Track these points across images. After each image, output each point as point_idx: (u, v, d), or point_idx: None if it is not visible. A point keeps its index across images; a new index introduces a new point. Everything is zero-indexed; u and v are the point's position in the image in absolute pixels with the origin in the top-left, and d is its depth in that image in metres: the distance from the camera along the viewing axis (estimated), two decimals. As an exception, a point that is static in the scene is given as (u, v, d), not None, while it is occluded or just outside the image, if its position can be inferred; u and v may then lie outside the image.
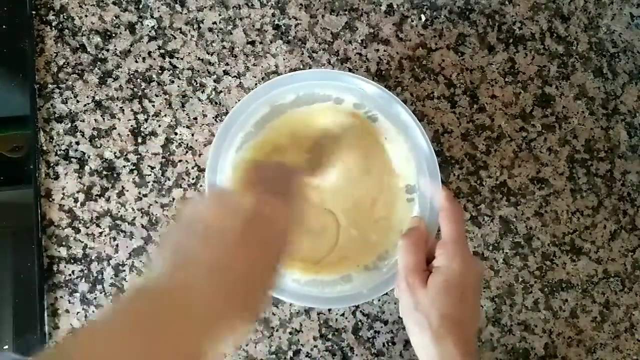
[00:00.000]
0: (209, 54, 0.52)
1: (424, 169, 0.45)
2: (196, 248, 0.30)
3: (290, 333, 0.51)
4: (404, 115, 0.45)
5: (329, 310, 0.52)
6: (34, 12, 0.51)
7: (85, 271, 0.50)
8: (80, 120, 0.51)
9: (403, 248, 0.43)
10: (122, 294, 0.28)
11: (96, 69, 0.51)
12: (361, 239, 0.48)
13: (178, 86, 0.52)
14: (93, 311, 0.50)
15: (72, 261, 0.50)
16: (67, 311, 0.50)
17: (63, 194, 0.51)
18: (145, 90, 0.52)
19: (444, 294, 0.40)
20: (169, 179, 0.51)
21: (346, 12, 0.53)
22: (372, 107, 0.47)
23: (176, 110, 0.52)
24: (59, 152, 0.51)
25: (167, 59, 0.52)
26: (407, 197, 0.48)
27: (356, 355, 0.52)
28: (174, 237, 0.32)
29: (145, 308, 0.26)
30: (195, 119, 0.52)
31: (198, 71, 0.52)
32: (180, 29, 0.52)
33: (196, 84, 0.52)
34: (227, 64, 0.52)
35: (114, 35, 0.52)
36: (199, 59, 0.52)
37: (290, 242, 0.34)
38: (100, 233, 0.51)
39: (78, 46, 0.51)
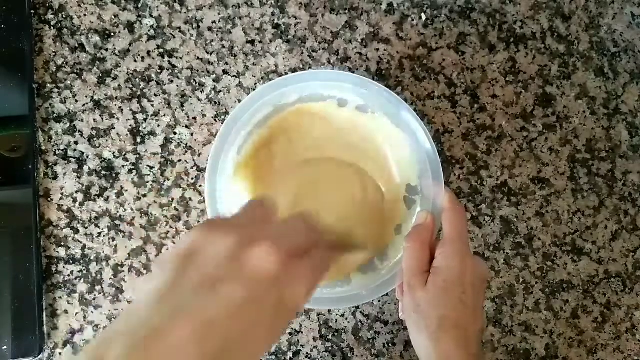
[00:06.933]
0: (208, 53, 0.52)
1: (428, 170, 0.45)
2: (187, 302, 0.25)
3: (290, 334, 0.51)
4: (408, 116, 0.45)
5: (329, 311, 0.52)
6: (32, 11, 0.51)
7: (84, 271, 0.50)
8: (79, 120, 0.51)
9: (408, 250, 0.42)
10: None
11: (95, 68, 0.51)
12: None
13: (177, 86, 0.52)
14: (92, 312, 0.50)
15: (71, 261, 0.50)
16: (66, 312, 0.50)
17: (62, 194, 0.50)
18: (144, 90, 0.51)
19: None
20: (168, 179, 0.51)
21: (346, 11, 0.53)
22: (376, 108, 0.46)
23: (175, 109, 0.52)
24: (57, 152, 0.51)
25: (166, 59, 0.52)
26: (408, 199, 0.48)
27: (356, 356, 0.52)
28: (167, 275, 0.26)
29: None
30: (195, 118, 0.52)
31: (197, 70, 0.52)
32: (180, 28, 0.52)
33: (195, 83, 0.52)
34: (226, 64, 0.52)
35: (112, 34, 0.51)
36: (198, 58, 0.52)
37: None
38: (99, 233, 0.50)
39: (77, 45, 0.51)
